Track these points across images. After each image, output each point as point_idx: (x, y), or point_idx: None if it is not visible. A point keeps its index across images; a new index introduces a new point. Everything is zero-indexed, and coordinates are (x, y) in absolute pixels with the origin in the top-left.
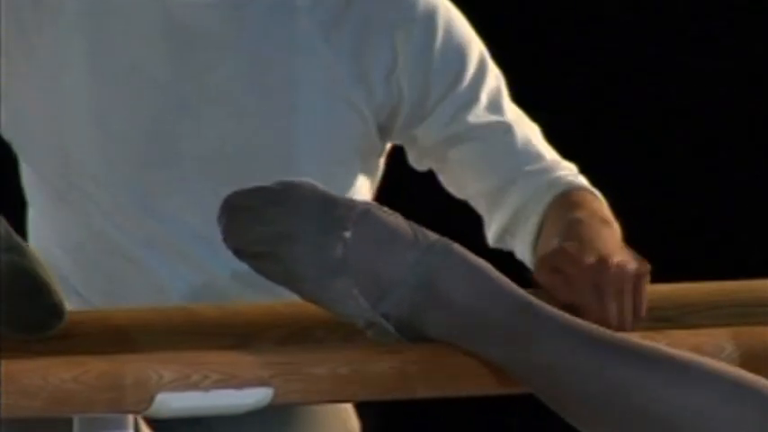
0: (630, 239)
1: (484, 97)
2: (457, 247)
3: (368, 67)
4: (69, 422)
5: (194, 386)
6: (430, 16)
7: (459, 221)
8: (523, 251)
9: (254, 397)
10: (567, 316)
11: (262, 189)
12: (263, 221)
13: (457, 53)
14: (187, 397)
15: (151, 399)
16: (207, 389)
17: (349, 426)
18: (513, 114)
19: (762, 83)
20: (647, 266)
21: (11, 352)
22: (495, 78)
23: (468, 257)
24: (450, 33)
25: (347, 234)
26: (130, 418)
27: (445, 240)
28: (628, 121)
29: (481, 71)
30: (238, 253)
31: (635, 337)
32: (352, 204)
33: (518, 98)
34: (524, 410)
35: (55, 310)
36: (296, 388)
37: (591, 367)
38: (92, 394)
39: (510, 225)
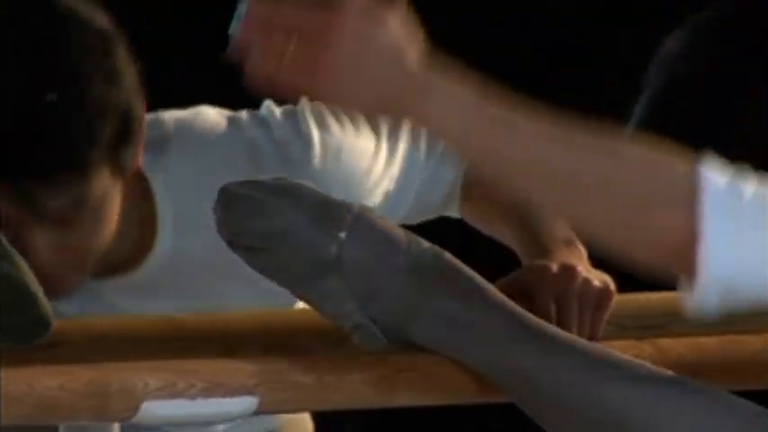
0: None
1: (403, 182)
2: (448, 255)
3: None
4: (55, 429)
5: (180, 394)
6: (325, 148)
7: (453, 231)
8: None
9: (240, 405)
10: (553, 327)
11: (261, 182)
12: (261, 214)
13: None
14: (173, 405)
15: (137, 406)
16: (193, 397)
17: (303, 426)
18: (423, 161)
19: None
20: (612, 289)
21: None
22: (392, 160)
23: (458, 267)
24: (345, 160)
25: (342, 235)
26: (116, 426)
27: (437, 249)
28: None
29: (382, 172)
30: (231, 244)
31: (623, 346)
32: (349, 207)
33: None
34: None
35: (42, 321)
36: (281, 396)
37: (574, 381)
38: (78, 402)
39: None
